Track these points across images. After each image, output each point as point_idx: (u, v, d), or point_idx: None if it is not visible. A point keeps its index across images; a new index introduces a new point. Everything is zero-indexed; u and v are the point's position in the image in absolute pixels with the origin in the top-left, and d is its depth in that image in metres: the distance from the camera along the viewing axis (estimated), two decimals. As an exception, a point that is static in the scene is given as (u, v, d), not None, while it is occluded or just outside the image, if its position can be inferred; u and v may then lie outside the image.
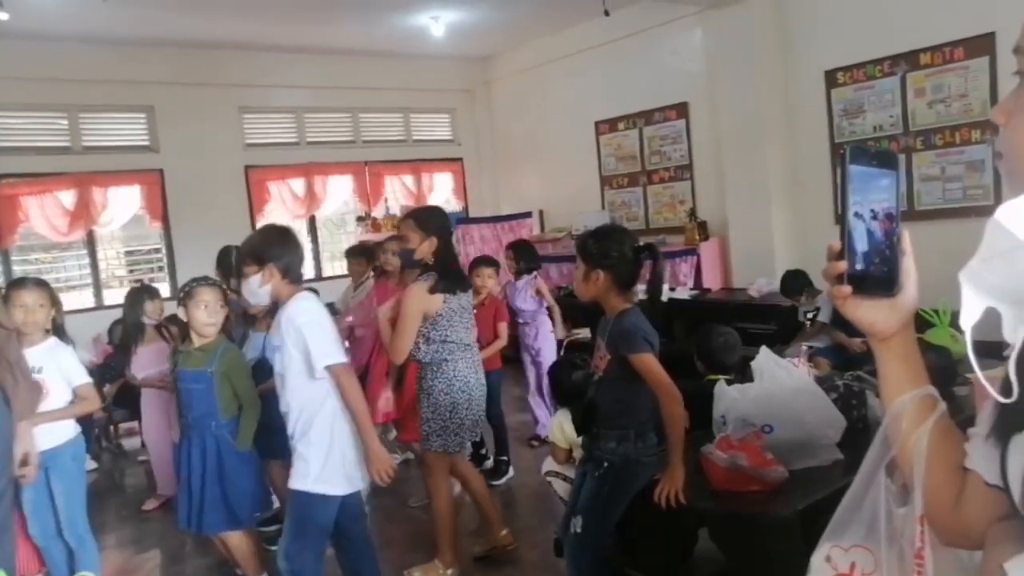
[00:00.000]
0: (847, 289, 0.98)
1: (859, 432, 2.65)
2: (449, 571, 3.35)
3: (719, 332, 3.07)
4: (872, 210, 0.97)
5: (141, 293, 4.75)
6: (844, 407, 2.62)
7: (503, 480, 4.61)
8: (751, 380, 2.73)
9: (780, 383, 2.51)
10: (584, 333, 6.85)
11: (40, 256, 7.40)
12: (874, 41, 5.81)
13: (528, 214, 8.70)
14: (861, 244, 0.99)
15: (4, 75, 6.57)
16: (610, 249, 2.49)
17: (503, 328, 4.60)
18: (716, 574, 2.92)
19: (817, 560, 1.10)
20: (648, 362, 2.44)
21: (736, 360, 3.05)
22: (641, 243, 2.62)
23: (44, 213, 6.86)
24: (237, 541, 3.23)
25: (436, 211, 3.55)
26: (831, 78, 6.13)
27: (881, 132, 5.88)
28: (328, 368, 2.61)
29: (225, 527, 3.14)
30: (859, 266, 0.98)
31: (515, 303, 5.26)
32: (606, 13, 6.06)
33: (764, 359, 2.58)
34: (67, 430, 3.23)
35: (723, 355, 3.02)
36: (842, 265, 0.98)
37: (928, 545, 0.95)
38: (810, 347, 4.70)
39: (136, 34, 6.86)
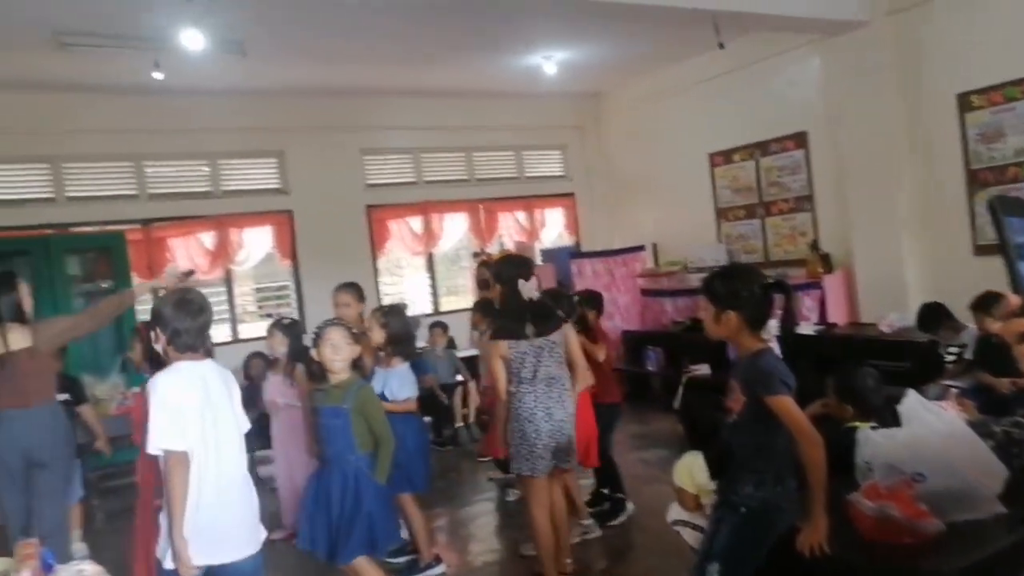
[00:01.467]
0: None
1: (1023, 483, 2.48)
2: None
3: (866, 373, 2.92)
4: None
5: (294, 326, 4.96)
6: (1004, 455, 2.46)
7: (618, 520, 4.55)
8: (891, 423, 2.62)
9: (931, 428, 2.39)
10: (703, 369, 6.73)
11: (182, 293, 7.94)
12: (1012, 61, 5.50)
13: (641, 248, 8.66)
14: None
15: (156, 129, 7.20)
16: (739, 289, 2.43)
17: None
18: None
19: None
20: (786, 404, 2.37)
21: (882, 402, 2.91)
22: (770, 280, 2.57)
23: (188, 253, 7.40)
24: (368, 569, 3.32)
25: (506, 260, 3.91)
26: (964, 101, 5.83)
27: (1024, 156, 5.53)
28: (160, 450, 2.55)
29: (362, 552, 3.24)
30: None
31: None
32: (720, 46, 6.02)
33: (912, 402, 2.46)
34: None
35: (873, 396, 2.87)
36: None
37: None
38: (953, 387, 4.44)
39: (270, 85, 7.36)
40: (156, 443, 2.54)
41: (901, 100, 6.15)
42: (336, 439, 3.24)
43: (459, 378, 7.36)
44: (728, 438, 2.55)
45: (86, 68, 6.25)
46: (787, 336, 2.52)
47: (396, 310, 4.28)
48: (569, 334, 3.76)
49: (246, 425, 2.81)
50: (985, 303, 4.23)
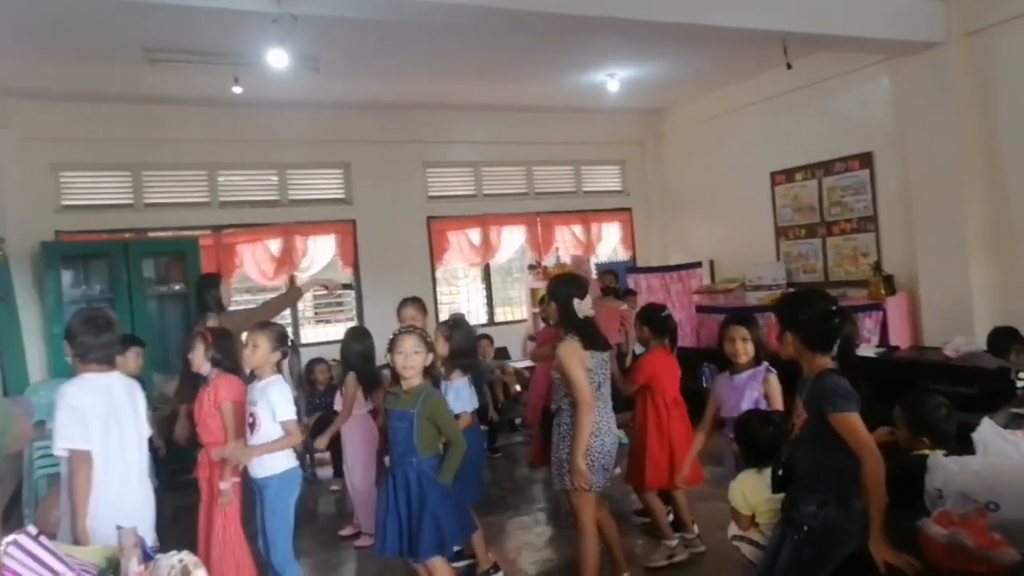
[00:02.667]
0: None
1: (1098, 516, 2.44)
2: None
3: (939, 403, 2.87)
4: None
5: (363, 336, 5.10)
6: (1080, 487, 2.42)
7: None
8: (961, 450, 2.60)
9: (1007, 457, 2.37)
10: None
11: (246, 298, 8.20)
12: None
13: (698, 264, 8.63)
14: None
15: (230, 139, 7.49)
16: (799, 312, 2.52)
17: None
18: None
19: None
20: (851, 422, 2.39)
21: (953, 430, 2.88)
22: (836, 307, 2.60)
23: (255, 259, 7.66)
24: (443, 569, 3.42)
25: (561, 279, 3.98)
26: (1042, 124, 5.71)
27: (1103, 182, 5.39)
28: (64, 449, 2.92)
29: (434, 552, 3.35)
30: None
31: None
32: (788, 67, 5.99)
33: (987, 430, 2.45)
34: (273, 464, 3.57)
35: (946, 425, 2.84)
36: None
37: None
38: (1019, 416, 4.34)
39: (339, 99, 7.59)
40: (61, 443, 2.92)
41: (974, 121, 6.05)
42: (401, 441, 3.36)
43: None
44: (789, 455, 2.57)
45: (171, 82, 6.55)
46: (845, 361, 2.55)
47: (460, 324, 4.39)
48: (612, 360, 3.87)
49: (147, 431, 3.26)
50: None
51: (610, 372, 3.82)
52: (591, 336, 3.67)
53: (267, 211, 7.83)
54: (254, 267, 7.69)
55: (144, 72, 6.18)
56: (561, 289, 3.77)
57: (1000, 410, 4.51)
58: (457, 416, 3.97)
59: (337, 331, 7.32)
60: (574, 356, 3.52)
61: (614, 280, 7.67)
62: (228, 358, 3.86)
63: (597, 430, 3.56)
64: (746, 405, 3.64)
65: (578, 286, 3.81)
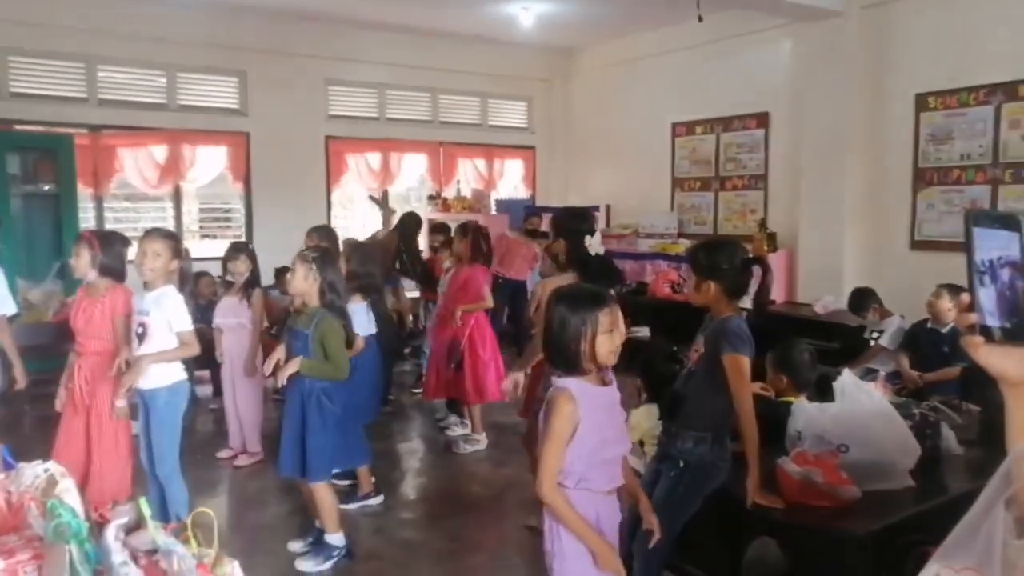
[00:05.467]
0: (979, 339, 1.06)
1: (931, 461, 2.72)
2: None
3: (803, 348, 3.13)
4: (998, 265, 1.05)
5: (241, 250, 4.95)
6: (919, 435, 2.68)
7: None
8: (821, 398, 2.82)
9: (861, 405, 2.58)
10: (644, 332, 6.96)
11: (126, 205, 7.74)
12: (970, 68, 5.74)
13: (596, 208, 8.76)
14: (988, 298, 1.07)
15: (110, 30, 6.91)
16: (720, 262, 2.58)
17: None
18: (772, 578, 3.02)
19: (927, 577, 1.19)
20: (740, 364, 2.50)
21: (815, 377, 3.12)
22: (751, 255, 2.71)
23: (138, 165, 7.20)
24: (324, 494, 3.43)
25: (568, 213, 3.92)
26: (922, 102, 6.07)
27: (968, 161, 5.82)
28: None
29: (323, 476, 3.40)
30: (989, 319, 1.06)
31: None
32: (699, 19, 6.08)
33: (847, 380, 2.65)
34: (163, 375, 3.45)
35: (806, 371, 3.08)
36: (974, 317, 1.05)
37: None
38: (872, 370, 4.74)
39: (237, 1, 7.10)
40: None
41: (863, 93, 6.36)
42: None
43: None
44: (680, 386, 2.70)
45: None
46: (759, 309, 2.66)
47: (360, 247, 4.31)
48: None
49: None
50: (952, 289, 4.49)
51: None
52: (606, 274, 3.55)
53: (153, 114, 7.33)
54: (136, 173, 7.23)
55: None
56: (571, 224, 3.60)
57: (854, 364, 4.91)
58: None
59: (222, 247, 7.05)
60: (541, 291, 3.53)
61: (539, 221, 7.69)
62: (119, 265, 3.64)
63: None
64: None
65: (587, 220, 3.69)
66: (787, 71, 7.05)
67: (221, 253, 5.05)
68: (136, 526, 1.58)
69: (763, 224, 7.22)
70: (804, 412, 2.66)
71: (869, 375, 4.64)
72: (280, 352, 3.55)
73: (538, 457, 2.06)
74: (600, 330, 2.02)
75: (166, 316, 3.37)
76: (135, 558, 1.43)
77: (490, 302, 5.10)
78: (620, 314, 2.06)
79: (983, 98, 5.71)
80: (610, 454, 2.10)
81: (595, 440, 2.03)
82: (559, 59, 9.50)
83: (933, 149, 6.03)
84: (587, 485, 2.06)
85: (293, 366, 3.28)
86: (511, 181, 9.64)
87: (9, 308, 4.30)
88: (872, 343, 5.13)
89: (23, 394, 5.59)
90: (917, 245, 6.12)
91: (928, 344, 4.60)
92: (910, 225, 6.17)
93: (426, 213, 8.94)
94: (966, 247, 1.07)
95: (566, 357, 2.05)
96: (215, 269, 5.91)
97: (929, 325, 4.65)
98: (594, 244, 3.57)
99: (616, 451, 2.12)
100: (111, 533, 1.40)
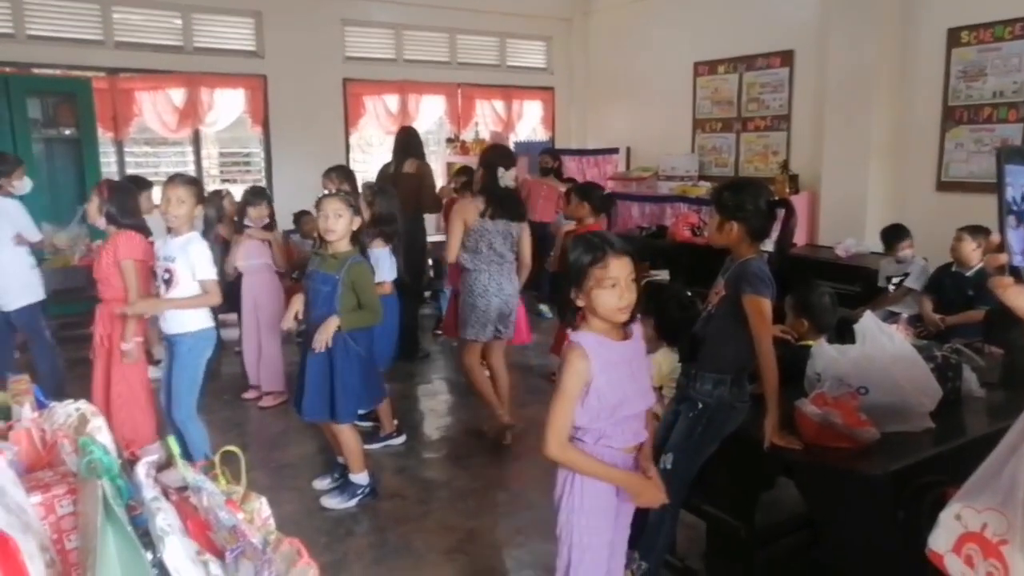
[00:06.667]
0: (1008, 279, 1.04)
1: (951, 404, 2.71)
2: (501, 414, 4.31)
3: (824, 291, 3.11)
4: None
5: (259, 194, 4.98)
6: (940, 377, 2.67)
7: None
8: (841, 340, 2.81)
9: (882, 348, 2.57)
10: (663, 275, 6.94)
11: (146, 150, 7.74)
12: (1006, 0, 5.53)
13: (615, 150, 8.67)
14: (1019, 239, 1.05)
15: (126, -29, 6.80)
16: (745, 202, 2.54)
17: None
18: (789, 518, 3.07)
19: (946, 517, 1.21)
20: (761, 305, 2.47)
21: (835, 320, 3.10)
22: (775, 197, 2.67)
23: (156, 109, 7.16)
24: (349, 435, 3.51)
25: (492, 148, 4.44)
26: (954, 36, 5.87)
27: (1001, 98, 5.64)
28: None
29: (351, 418, 3.52)
30: (1018, 259, 1.04)
31: None
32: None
33: (868, 323, 2.63)
34: (188, 321, 3.51)
35: (827, 314, 3.06)
36: (1003, 257, 1.04)
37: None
38: (894, 313, 4.71)
39: (251, -62, 6.96)
40: None
41: (892, 28, 6.15)
42: (322, 305, 3.34)
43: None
44: (700, 328, 2.69)
45: None
46: (782, 252, 2.62)
47: (384, 190, 4.30)
48: (524, 231, 4.23)
49: None
50: (975, 231, 4.42)
51: (524, 246, 4.14)
52: (506, 205, 4.06)
53: (170, 57, 7.25)
54: (155, 117, 7.20)
55: None
56: (491, 157, 4.16)
57: (874, 306, 4.88)
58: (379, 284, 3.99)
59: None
60: (459, 214, 4.02)
61: (551, 160, 7.62)
62: (126, 214, 3.69)
63: (484, 291, 4.06)
64: None
65: (506, 157, 4.18)
66: (813, 6, 6.82)
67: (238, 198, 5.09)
68: (166, 464, 1.62)
69: (785, 166, 7.10)
70: (824, 354, 2.65)
71: (891, 318, 4.62)
72: (299, 302, 3.58)
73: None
74: (594, 285, 1.94)
75: (191, 262, 3.41)
76: (166, 494, 1.48)
77: None
78: (627, 269, 1.95)
79: (1019, 32, 5.50)
80: (631, 410, 2.04)
81: (615, 397, 1.97)
82: (579, -4, 9.26)
83: (964, 86, 5.85)
84: (608, 442, 2.02)
85: (332, 326, 3.28)
86: (530, 123, 9.50)
87: (35, 235, 4.68)
88: (891, 287, 5.08)
89: (53, 336, 5.75)
90: (943, 186, 6.00)
91: (952, 288, 4.56)
92: (937, 166, 6.04)
93: (444, 156, 8.90)
94: (997, 185, 1.05)
95: (570, 310, 2.01)
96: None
97: (954, 268, 4.59)
98: (505, 178, 4.10)
99: (638, 407, 2.07)
100: (142, 470, 1.44)
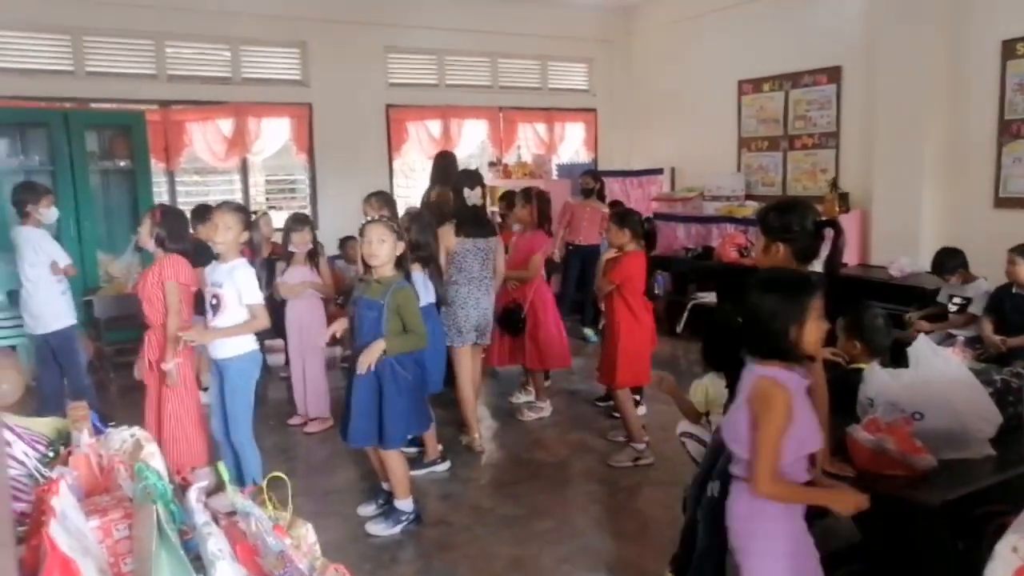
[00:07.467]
0: None
1: (1013, 429, 2.61)
2: (476, 436, 4.63)
3: (876, 313, 3.02)
4: None
5: (302, 220, 5.07)
6: (999, 402, 2.57)
7: None
8: (895, 363, 2.72)
9: (936, 371, 2.49)
10: (710, 297, 6.85)
11: (196, 179, 7.95)
12: (1063, 10, 5.38)
13: (659, 171, 8.62)
14: None
15: (176, 6, 7.03)
16: (791, 223, 2.49)
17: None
18: (843, 549, 2.97)
19: (1003, 549, 1.16)
20: None
21: (889, 343, 3.01)
22: (823, 217, 2.62)
23: (206, 139, 7.37)
24: (396, 461, 3.52)
25: (463, 172, 4.88)
26: (1009, 48, 5.72)
27: (1059, 112, 5.48)
28: None
29: (400, 443, 3.54)
30: None
31: None
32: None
33: (922, 345, 2.56)
34: (235, 345, 3.57)
35: (880, 336, 2.98)
36: None
37: None
38: (957, 335, 4.56)
39: (298, -28, 7.15)
40: None
41: (943, 42, 6.03)
42: (368, 330, 3.37)
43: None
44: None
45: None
46: (831, 273, 2.57)
47: (419, 217, 4.35)
48: (499, 244, 4.65)
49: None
50: None
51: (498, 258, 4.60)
52: (475, 223, 4.46)
53: (218, 88, 7.48)
54: (205, 147, 7.41)
55: (85, -74, 5.70)
56: (459, 179, 4.59)
57: (935, 329, 4.73)
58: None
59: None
60: (441, 241, 4.30)
61: (592, 181, 7.58)
62: (175, 239, 3.78)
63: (464, 302, 4.44)
64: None
65: (472, 177, 4.57)
66: (860, 21, 6.73)
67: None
68: (215, 489, 1.65)
69: (834, 184, 6.97)
70: (876, 378, 2.58)
71: (947, 340, 4.48)
72: (342, 323, 3.62)
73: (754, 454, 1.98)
74: (810, 316, 1.97)
75: (237, 288, 3.48)
76: (216, 519, 1.49)
77: (533, 272, 5.06)
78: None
79: (1076, 43, 5.35)
80: (812, 446, 2.04)
81: (804, 432, 1.99)
82: (619, 18, 9.28)
83: (1021, 99, 5.69)
84: (791, 479, 2.03)
85: (377, 349, 3.31)
86: (572, 145, 9.52)
87: (64, 259, 4.81)
88: (956, 309, 4.91)
89: (108, 363, 5.91)
90: (1001, 203, 5.82)
91: (1013, 309, 4.40)
92: (994, 181, 5.87)
93: (488, 180, 8.95)
94: None
95: (775, 346, 2.00)
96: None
97: (1014, 290, 4.43)
98: (472, 196, 4.43)
99: (817, 442, 2.07)
100: (193, 495, 1.46)
